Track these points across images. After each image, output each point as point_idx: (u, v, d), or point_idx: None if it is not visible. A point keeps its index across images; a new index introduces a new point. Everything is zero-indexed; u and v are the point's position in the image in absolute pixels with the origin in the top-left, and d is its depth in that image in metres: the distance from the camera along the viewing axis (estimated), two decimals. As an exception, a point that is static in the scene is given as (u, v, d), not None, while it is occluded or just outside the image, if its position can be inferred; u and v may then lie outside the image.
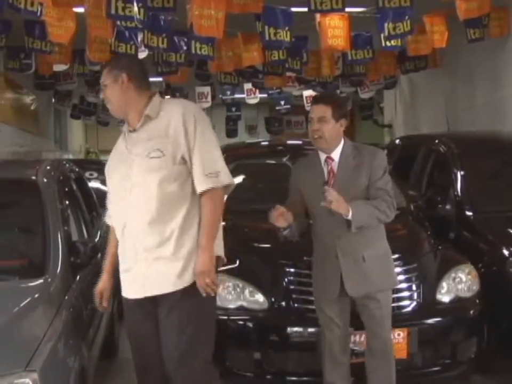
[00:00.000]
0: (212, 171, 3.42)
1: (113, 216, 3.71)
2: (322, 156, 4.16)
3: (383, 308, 4.15)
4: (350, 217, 3.89)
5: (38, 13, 7.52)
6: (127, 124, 3.62)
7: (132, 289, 3.56)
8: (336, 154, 4.13)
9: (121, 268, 3.62)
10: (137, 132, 3.56)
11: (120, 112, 3.61)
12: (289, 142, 7.70)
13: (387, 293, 4.22)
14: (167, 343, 3.50)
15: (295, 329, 4.58)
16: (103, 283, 3.71)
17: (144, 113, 3.52)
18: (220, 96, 15.72)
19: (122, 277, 3.61)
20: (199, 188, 3.42)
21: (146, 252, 3.46)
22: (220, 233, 3.57)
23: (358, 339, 4.43)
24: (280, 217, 3.93)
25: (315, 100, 4.23)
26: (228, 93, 15.89)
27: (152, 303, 3.50)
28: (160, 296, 3.46)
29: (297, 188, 4.26)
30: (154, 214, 3.43)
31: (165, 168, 3.43)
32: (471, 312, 4.85)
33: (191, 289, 3.40)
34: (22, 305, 3.42)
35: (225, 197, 3.54)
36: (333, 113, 4.06)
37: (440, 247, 5.23)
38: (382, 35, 8.72)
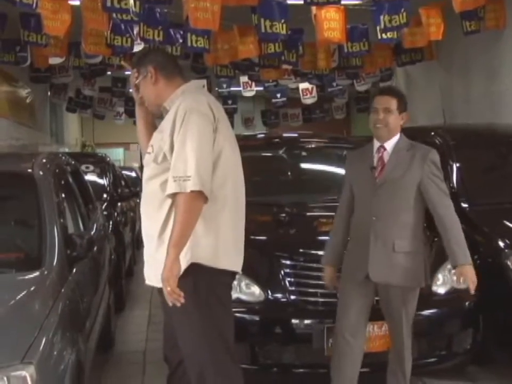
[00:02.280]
0: (181, 175, 3.18)
1: None
2: (376, 144, 4.23)
3: (403, 308, 4.12)
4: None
5: (34, 6, 7.50)
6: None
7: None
8: (389, 145, 4.19)
9: None
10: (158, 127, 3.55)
11: (154, 107, 3.54)
12: (285, 134, 7.70)
13: (413, 294, 4.17)
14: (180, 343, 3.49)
15: (292, 321, 4.59)
16: None
17: (167, 108, 3.44)
18: (216, 89, 15.69)
19: None
20: (167, 191, 3.25)
21: (145, 244, 3.50)
22: (212, 238, 3.33)
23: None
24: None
25: (381, 91, 4.34)
26: (224, 85, 15.86)
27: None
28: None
29: (349, 181, 4.35)
30: (143, 210, 3.49)
31: (150, 165, 3.40)
32: (467, 303, 4.85)
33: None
34: (18, 298, 3.42)
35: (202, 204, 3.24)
36: (398, 105, 4.17)
37: (435, 239, 5.24)
38: (378, 27, 8.73)
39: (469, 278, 3.98)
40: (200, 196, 3.20)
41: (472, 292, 3.99)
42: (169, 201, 3.30)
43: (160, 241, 3.33)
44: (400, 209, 4.10)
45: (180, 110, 3.29)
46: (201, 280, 3.31)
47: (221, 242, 3.35)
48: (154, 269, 3.31)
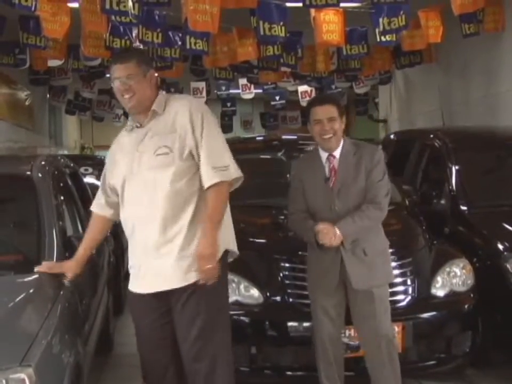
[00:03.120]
0: (221, 165, 3.44)
1: (122, 213, 3.66)
2: (324, 154, 4.22)
3: (378, 303, 4.15)
4: (346, 238, 4.02)
5: (33, 8, 7.50)
6: (132, 119, 3.63)
7: (140, 284, 3.61)
8: (337, 152, 4.20)
9: (130, 263, 3.68)
10: (143, 128, 3.56)
11: (141, 107, 3.55)
12: (284, 137, 7.70)
13: (383, 288, 4.24)
14: (183, 340, 3.55)
15: (290, 324, 4.58)
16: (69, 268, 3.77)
17: (151, 108, 3.53)
18: (215, 91, 15.71)
19: (131, 271, 3.68)
20: (208, 182, 3.43)
21: (156, 248, 3.48)
22: (231, 227, 3.66)
23: (353, 333, 4.44)
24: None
25: (320, 101, 4.27)
26: (223, 88, 15.88)
27: (160, 299, 3.54)
28: (171, 292, 3.50)
29: (300, 184, 4.29)
30: (164, 211, 3.45)
31: (173, 164, 3.45)
32: (466, 306, 4.86)
33: (202, 285, 3.42)
34: (17, 300, 3.42)
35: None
36: (339, 112, 4.16)
37: (435, 242, 5.24)
38: (377, 30, 8.73)
39: (326, 233, 3.99)
40: (233, 183, 3.54)
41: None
42: (196, 196, 3.47)
43: (190, 237, 3.45)
44: None
45: (194, 110, 3.50)
46: (224, 262, 3.56)
47: (229, 225, 3.67)
48: (181, 267, 3.44)
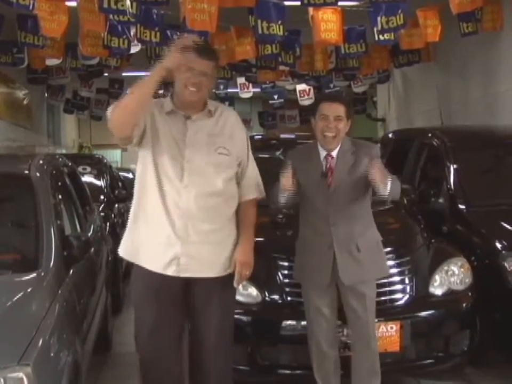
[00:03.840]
0: (259, 183, 3.84)
1: (159, 187, 3.61)
2: (322, 152, 4.20)
3: (367, 301, 4.16)
4: (388, 188, 3.91)
5: (30, 7, 7.49)
6: (172, 105, 3.64)
7: (169, 266, 3.59)
8: (335, 152, 4.19)
9: (159, 240, 3.61)
10: (192, 121, 3.64)
11: (198, 103, 3.67)
12: (282, 136, 7.69)
13: (372, 285, 4.25)
14: (207, 330, 3.68)
15: (288, 322, 4.58)
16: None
17: (207, 107, 3.68)
18: (213, 90, 15.70)
19: (159, 249, 3.61)
20: (250, 195, 3.78)
21: (199, 236, 3.58)
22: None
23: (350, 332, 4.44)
24: (290, 178, 4.00)
25: (331, 98, 4.23)
26: (221, 87, 15.87)
27: (182, 287, 3.61)
28: (199, 280, 3.60)
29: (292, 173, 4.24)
30: (214, 204, 3.62)
31: (231, 167, 3.69)
32: (464, 305, 4.86)
33: (230, 278, 3.67)
34: (15, 299, 3.41)
35: None
36: (346, 112, 4.13)
37: (433, 240, 5.24)
38: (375, 29, 8.73)
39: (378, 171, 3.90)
40: None
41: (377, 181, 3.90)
42: (236, 199, 3.75)
43: (230, 232, 3.72)
44: (355, 211, 4.15)
45: (241, 124, 3.85)
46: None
47: None
48: (219, 258, 3.66)
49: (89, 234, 5.39)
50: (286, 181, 4.01)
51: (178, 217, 3.56)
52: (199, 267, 3.60)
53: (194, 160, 3.58)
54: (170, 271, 3.58)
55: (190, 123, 3.64)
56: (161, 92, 14.54)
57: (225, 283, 3.68)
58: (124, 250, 3.78)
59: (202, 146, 3.61)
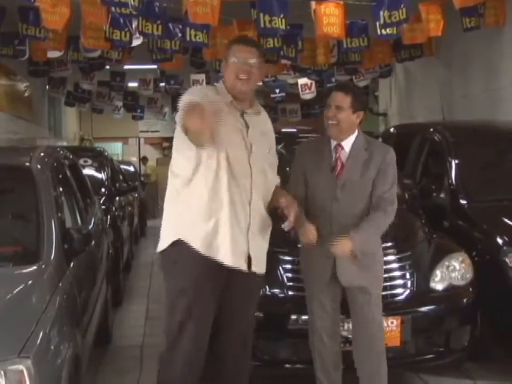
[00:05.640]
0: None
1: (226, 182, 3.60)
2: (333, 143, 4.17)
3: (372, 300, 4.15)
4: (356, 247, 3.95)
5: (32, -1, 7.47)
6: (228, 96, 3.67)
7: (232, 257, 3.63)
8: (347, 144, 4.15)
9: (225, 229, 3.61)
10: (248, 116, 3.70)
11: (249, 94, 3.74)
12: (284, 129, 7.68)
13: (378, 284, 4.24)
14: (243, 323, 3.81)
15: (290, 317, 4.58)
16: None
17: (255, 103, 3.80)
18: (215, 83, 15.66)
19: (221, 240, 3.61)
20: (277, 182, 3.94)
21: (257, 232, 3.72)
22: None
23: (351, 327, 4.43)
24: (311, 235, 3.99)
25: (336, 88, 4.28)
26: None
27: (224, 280, 3.68)
28: (246, 275, 3.69)
29: (301, 170, 4.24)
30: (265, 203, 3.77)
31: (275, 166, 3.87)
32: (465, 300, 4.86)
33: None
34: (15, 292, 3.42)
35: None
36: (352, 103, 4.08)
37: (434, 236, 5.24)
38: (377, 23, 8.69)
39: (340, 247, 3.92)
40: None
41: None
42: None
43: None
44: (360, 211, 4.09)
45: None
46: None
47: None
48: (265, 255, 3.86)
49: (90, 227, 5.39)
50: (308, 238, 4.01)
51: (246, 215, 3.66)
52: (261, 262, 3.82)
53: (259, 159, 3.69)
54: (242, 265, 3.67)
55: (247, 118, 3.69)
56: (162, 85, 14.53)
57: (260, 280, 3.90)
58: (199, 242, 3.61)
59: (260, 145, 3.72)
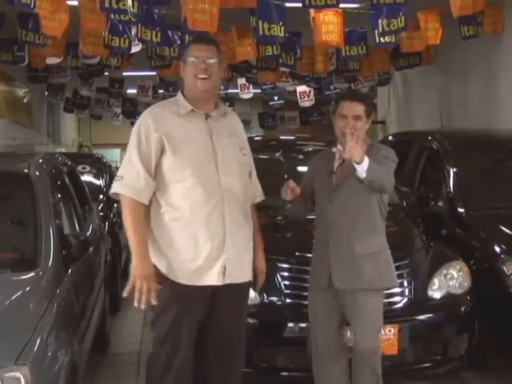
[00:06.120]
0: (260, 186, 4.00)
1: (198, 190, 3.50)
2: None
3: (370, 310, 4.02)
4: (364, 166, 3.75)
5: (31, 5, 7.47)
6: (187, 105, 3.58)
7: (208, 277, 3.52)
8: None
9: (199, 255, 3.52)
10: (213, 120, 3.62)
11: (210, 93, 3.64)
12: (282, 137, 7.68)
13: (378, 295, 4.10)
14: (234, 333, 3.70)
15: (287, 324, 4.58)
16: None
17: (220, 105, 3.70)
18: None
19: (192, 264, 3.51)
20: (258, 198, 3.93)
21: (237, 240, 3.58)
22: None
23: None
24: (289, 191, 3.96)
25: (351, 97, 4.09)
26: (222, 87, 15.83)
27: (212, 293, 3.56)
28: (231, 286, 3.57)
29: (311, 177, 4.25)
30: (244, 207, 3.66)
31: (250, 167, 3.76)
32: (462, 308, 4.86)
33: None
34: (13, 298, 3.42)
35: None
36: (366, 112, 4.03)
37: (432, 244, 5.24)
38: (376, 31, 8.71)
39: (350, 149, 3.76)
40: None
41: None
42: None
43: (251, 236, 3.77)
44: (356, 213, 4.02)
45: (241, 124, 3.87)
46: None
47: None
48: (249, 261, 3.72)
49: (88, 233, 5.39)
50: (285, 192, 3.99)
51: (216, 222, 3.51)
52: (240, 271, 3.64)
53: (231, 162, 3.59)
54: (217, 280, 3.53)
55: (211, 122, 3.60)
56: (161, 91, 14.56)
57: (248, 287, 3.80)
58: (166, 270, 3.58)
59: (230, 147, 3.61)
